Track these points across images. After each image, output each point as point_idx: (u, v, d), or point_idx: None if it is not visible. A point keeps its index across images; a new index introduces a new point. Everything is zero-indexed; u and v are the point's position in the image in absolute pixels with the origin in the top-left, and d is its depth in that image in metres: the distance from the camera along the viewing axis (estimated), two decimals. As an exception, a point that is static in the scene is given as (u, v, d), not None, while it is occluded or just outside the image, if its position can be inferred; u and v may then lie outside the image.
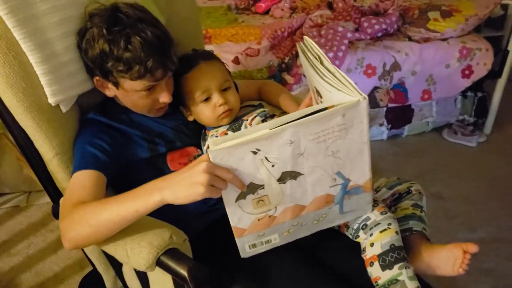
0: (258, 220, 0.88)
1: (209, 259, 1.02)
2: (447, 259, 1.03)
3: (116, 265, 1.20)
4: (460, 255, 1.02)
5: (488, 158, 2.52)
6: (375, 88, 2.45)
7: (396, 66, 2.42)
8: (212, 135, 1.15)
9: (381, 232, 0.99)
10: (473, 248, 1.02)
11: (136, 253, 0.92)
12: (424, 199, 1.20)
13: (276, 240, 0.94)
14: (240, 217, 0.86)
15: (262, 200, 0.85)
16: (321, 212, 0.94)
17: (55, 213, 1.15)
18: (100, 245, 0.98)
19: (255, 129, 0.78)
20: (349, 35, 2.44)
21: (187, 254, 0.97)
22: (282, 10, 2.88)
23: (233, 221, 0.87)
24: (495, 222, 2.05)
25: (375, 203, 1.02)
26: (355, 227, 1.02)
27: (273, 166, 0.81)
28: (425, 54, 2.42)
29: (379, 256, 0.97)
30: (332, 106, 0.79)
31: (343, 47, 2.35)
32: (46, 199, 2.23)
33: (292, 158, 0.82)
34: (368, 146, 0.87)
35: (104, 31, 0.98)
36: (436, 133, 2.73)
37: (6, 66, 0.97)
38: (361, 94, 0.79)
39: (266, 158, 0.80)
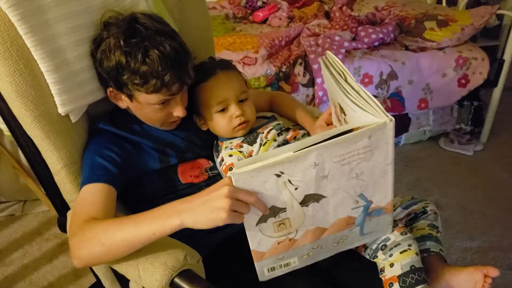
0: (278, 243, 0.86)
1: (222, 278, 1.00)
2: (467, 282, 1.02)
3: (122, 281, 1.16)
4: (480, 279, 1.01)
5: (485, 167, 2.53)
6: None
7: (393, 75, 2.43)
8: (226, 147, 1.13)
9: (401, 253, 0.98)
10: (493, 272, 1.00)
11: (149, 274, 0.88)
12: (439, 219, 1.20)
13: (296, 263, 0.92)
14: (260, 240, 0.84)
15: (284, 223, 0.83)
16: (341, 234, 0.92)
17: (61, 226, 1.13)
18: (111, 264, 0.94)
19: (278, 151, 0.76)
20: (346, 44, 2.44)
21: (201, 275, 0.94)
22: (280, 19, 2.89)
23: (253, 245, 0.84)
24: (493, 230, 2.06)
25: (394, 224, 1.01)
26: (373, 248, 1.01)
27: (296, 189, 0.79)
28: (422, 63, 2.44)
29: (399, 277, 0.96)
30: (358, 128, 0.77)
31: (340, 56, 2.36)
32: (42, 208, 2.22)
33: (316, 181, 0.80)
34: (392, 168, 0.85)
35: (122, 42, 0.96)
36: (433, 141, 2.73)
37: (16, 74, 0.95)
38: (387, 116, 0.76)
39: (289, 180, 0.78)
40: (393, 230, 1.00)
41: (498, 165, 2.54)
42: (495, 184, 2.38)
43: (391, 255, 0.98)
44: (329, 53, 0.97)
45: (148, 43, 0.96)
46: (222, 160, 1.10)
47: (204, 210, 0.78)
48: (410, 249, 0.98)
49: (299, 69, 2.35)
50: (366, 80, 2.42)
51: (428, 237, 1.12)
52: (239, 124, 1.11)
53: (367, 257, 1.04)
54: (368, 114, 0.78)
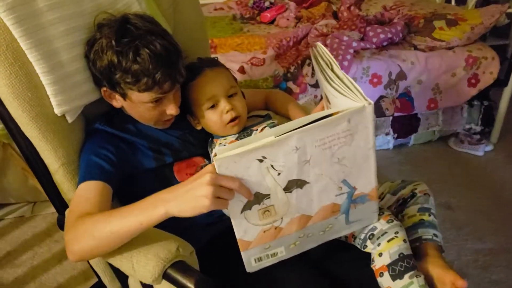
0: (264, 232, 0.87)
1: (215, 271, 1.01)
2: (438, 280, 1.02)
3: (122, 278, 1.18)
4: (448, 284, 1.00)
5: (495, 167, 2.50)
6: (381, 97, 2.44)
7: (401, 75, 2.41)
8: (220, 143, 1.14)
9: (388, 241, 0.98)
10: (462, 284, 0.99)
11: (142, 266, 0.90)
12: (431, 199, 1.18)
13: (282, 253, 0.93)
14: (246, 229, 0.85)
15: (268, 211, 0.84)
16: (327, 222, 0.93)
17: (61, 224, 1.14)
18: (105, 257, 0.96)
19: (260, 136, 0.77)
20: (354, 44, 2.43)
21: (194, 267, 0.95)
22: (288, 19, 2.88)
23: (239, 233, 0.85)
24: (504, 232, 2.03)
25: (380, 212, 1.01)
26: (362, 237, 1.02)
27: (279, 174, 0.81)
28: (431, 63, 2.41)
29: (388, 266, 0.96)
30: (338, 112, 0.79)
31: (348, 56, 2.35)
32: (51, 209, 2.23)
33: (298, 166, 0.81)
34: (373, 152, 0.87)
35: (113, 42, 0.98)
36: (443, 142, 2.71)
37: (12, 77, 0.97)
38: (366, 100, 0.79)
39: (272, 166, 0.79)
40: (379, 219, 1.00)
41: (509, 165, 2.51)
42: (505, 184, 2.35)
43: (379, 244, 0.99)
44: (319, 44, 0.98)
45: (139, 42, 0.97)
46: (215, 155, 1.11)
47: (187, 198, 0.79)
48: (397, 236, 0.98)
49: (307, 70, 2.34)
50: (375, 80, 2.40)
51: (420, 224, 1.11)
52: (231, 120, 1.12)
53: (358, 247, 1.04)
54: (347, 99, 0.80)
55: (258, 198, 0.82)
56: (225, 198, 0.79)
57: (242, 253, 0.88)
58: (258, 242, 0.88)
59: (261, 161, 0.78)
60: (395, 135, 2.60)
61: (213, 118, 1.13)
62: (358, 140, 0.83)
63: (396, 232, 0.99)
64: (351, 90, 0.82)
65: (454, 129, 2.69)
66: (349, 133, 0.81)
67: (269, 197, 0.83)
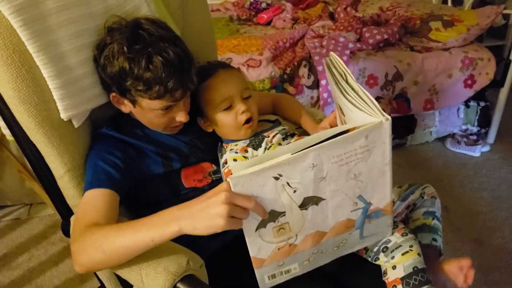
0: (278, 249, 0.85)
1: (224, 282, 1.00)
2: (447, 278, 1.04)
3: (126, 285, 1.15)
4: (457, 272, 1.03)
5: (492, 168, 2.51)
6: (377, 98, 2.44)
7: (398, 76, 2.41)
8: (231, 150, 1.12)
9: (403, 254, 0.97)
10: (466, 262, 1.03)
11: (152, 279, 0.88)
12: (437, 202, 1.18)
13: (296, 269, 0.91)
14: (260, 247, 0.83)
15: (283, 228, 0.82)
16: (341, 238, 0.91)
17: (65, 230, 1.12)
18: (113, 269, 0.94)
19: (276, 153, 0.76)
20: (350, 45, 2.43)
21: (203, 280, 0.94)
22: (284, 21, 2.88)
23: (253, 251, 0.83)
24: (501, 233, 2.04)
25: (394, 225, 1.00)
26: (375, 250, 1.01)
27: (294, 191, 0.79)
28: (427, 64, 2.42)
29: (402, 279, 0.96)
30: (355, 128, 0.77)
31: (344, 58, 2.35)
32: (48, 211, 2.23)
33: (314, 183, 0.79)
34: (390, 168, 0.85)
35: (125, 48, 0.95)
36: (439, 143, 2.72)
37: (18, 80, 0.95)
38: (383, 115, 0.77)
39: (288, 183, 0.77)
40: (393, 232, 0.99)
41: (506, 165, 2.52)
42: (502, 185, 2.36)
43: (393, 257, 0.98)
44: (332, 54, 0.96)
45: (152, 49, 0.95)
46: (226, 162, 1.10)
47: (202, 217, 0.77)
48: (411, 250, 0.98)
49: (303, 71, 2.34)
50: (371, 81, 2.41)
51: (421, 228, 1.12)
52: (246, 122, 1.11)
53: (369, 259, 1.03)
54: (364, 113, 0.79)
55: (273, 215, 0.80)
56: (240, 217, 0.77)
57: (256, 270, 0.86)
58: (272, 259, 0.86)
59: (277, 178, 0.76)
60: (392, 136, 2.58)
61: (227, 120, 1.11)
62: (375, 155, 0.81)
63: (411, 246, 0.98)
64: (367, 103, 0.80)
65: (450, 130, 2.70)
66: (366, 148, 0.80)
67: (284, 215, 0.81)
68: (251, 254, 0.84)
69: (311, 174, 0.78)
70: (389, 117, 0.77)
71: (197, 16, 1.36)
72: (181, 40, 1.03)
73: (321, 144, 0.75)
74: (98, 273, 1.19)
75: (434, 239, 1.10)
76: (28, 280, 1.89)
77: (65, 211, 1.13)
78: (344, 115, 0.91)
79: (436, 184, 2.31)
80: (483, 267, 1.86)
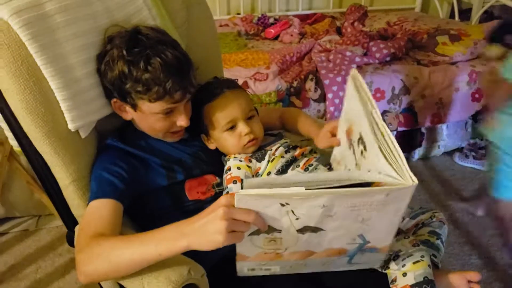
0: (265, 253, 0.86)
1: None
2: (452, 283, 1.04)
3: None
4: (464, 285, 1.03)
5: (500, 182, 2.48)
6: (384, 112, 2.44)
7: (405, 90, 2.41)
8: (235, 157, 1.13)
9: (414, 263, 0.98)
10: (475, 276, 1.02)
11: None
12: (445, 228, 1.19)
13: (277, 270, 0.92)
14: (248, 248, 0.84)
15: (274, 241, 0.83)
16: (330, 259, 0.91)
17: (70, 241, 1.13)
18: (116, 278, 0.95)
19: (289, 179, 0.75)
20: (357, 59, 2.45)
21: None
22: (291, 35, 2.90)
23: (240, 249, 0.84)
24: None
25: (406, 236, 1.03)
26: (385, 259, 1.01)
27: (297, 219, 0.78)
28: (434, 78, 2.42)
29: (412, 286, 0.96)
30: (379, 183, 0.75)
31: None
32: (56, 222, 2.24)
33: (319, 218, 0.79)
34: (399, 221, 0.83)
35: (124, 52, 0.98)
36: (447, 156, 2.70)
37: (26, 92, 0.97)
38: (412, 179, 0.72)
39: (292, 211, 0.77)
40: (405, 237, 1.02)
41: (514, 180, 2.50)
42: (511, 200, 2.33)
43: (404, 265, 0.99)
44: (355, 70, 0.96)
45: (150, 51, 0.97)
46: (229, 169, 1.11)
47: (203, 233, 0.78)
48: (423, 260, 0.99)
49: (310, 85, 2.36)
50: (378, 95, 2.41)
51: (424, 243, 1.11)
52: (249, 141, 1.12)
53: (378, 268, 1.03)
54: (390, 168, 0.75)
55: (269, 229, 0.80)
56: (240, 230, 0.77)
57: (237, 262, 0.88)
58: (256, 259, 0.87)
59: (283, 205, 0.75)
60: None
61: (230, 141, 1.13)
62: (390, 209, 0.79)
63: (422, 256, 0.99)
64: (396, 159, 0.76)
65: (458, 144, 2.69)
66: (383, 203, 0.77)
67: (279, 232, 0.81)
68: (237, 249, 0.84)
69: (319, 211, 0.77)
70: (416, 181, 0.72)
71: (202, 31, 1.38)
72: (179, 45, 1.05)
73: (340, 190, 0.73)
74: (101, 283, 1.19)
75: (434, 255, 1.10)
76: (35, 291, 1.89)
77: (70, 221, 1.14)
78: (365, 150, 0.87)
79: (443, 198, 2.32)
80: (490, 281, 1.84)
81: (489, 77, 1.85)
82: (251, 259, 0.87)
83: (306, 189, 0.72)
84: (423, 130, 2.59)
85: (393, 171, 0.75)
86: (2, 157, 2.00)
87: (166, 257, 0.85)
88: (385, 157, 0.78)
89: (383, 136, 0.81)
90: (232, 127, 1.12)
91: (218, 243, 0.76)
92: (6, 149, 1.99)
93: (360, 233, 0.84)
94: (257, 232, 0.80)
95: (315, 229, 0.81)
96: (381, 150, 0.79)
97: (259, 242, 0.83)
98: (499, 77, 1.52)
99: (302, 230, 0.81)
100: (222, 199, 0.77)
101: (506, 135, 1.60)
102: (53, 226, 2.24)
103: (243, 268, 0.90)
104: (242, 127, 1.11)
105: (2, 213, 2.24)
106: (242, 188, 0.72)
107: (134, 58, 0.97)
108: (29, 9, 0.95)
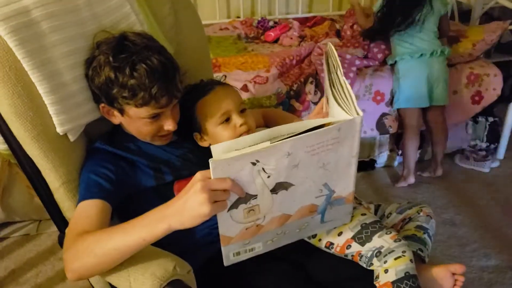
0: (246, 229, 0.89)
1: None
2: (433, 281, 1.05)
3: None
4: (448, 277, 1.04)
5: (501, 184, 2.48)
6: (384, 114, 2.44)
7: (405, 92, 2.40)
8: None
9: (395, 259, 0.99)
10: (460, 269, 1.05)
11: (139, 284, 0.91)
12: (432, 222, 1.20)
13: (260, 248, 0.97)
14: (230, 226, 0.87)
15: (253, 210, 0.87)
16: (304, 221, 0.97)
17: (61, 243, 1.12)
18: (103, 275, 0.97)
19: (254, 138, 0.80)
20: (357, 62, 2.44)
21: (191, 286, 0.96)
22: (291, 38, 2.91)
23: (222, 230, 0.87)
24: (509, 249, 2.01)
25: (388, 231, 1.03)
26: (368, 255, 1.03)
27: (268, 177, 0.83)
28: (434, 80, 2.41)
29: (393, 283, 0.97)
30: (330, 123, 0.82)
31: (351, 74, 2.36)
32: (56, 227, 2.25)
33: (287, 170, 0.84)
34: (356, 161, 0.91)
35: (111, 58, 0.99)
36: (448, 158, 2.68)
37: (14, 97, 0.99)
38: (357, 112, 0.83)
39: (263, 169, 0.81)
40: (385, 234, 1.02)
41: (515, 182, 2.49)
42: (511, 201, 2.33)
43: (385, 262, 0.99)
44: (330, 44, 1.01)
45: (136, 57, 0.99)
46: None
47: (186, 210, 0.81)
48: (404, 255, 0.99)
49: (310, 88, 2.36)
50: (378, 97, 2.41)
51: (410, 237, 1.13)
52: (244, 133, 1.13)
53: (364, 265, 1.05)
54: (341, 110, 0.85)
55: (246, 198, 0.84)
56: (222, 199, 0.80)
57: (222, 248, 0.91)
58: (239, 238, 0.90)
59: (254, 164, 0.80)
60: (399, 152, 2.58)
61: (225, 133, 1.14)
62: (344, 148, 0.87)
63: (404, 251, 1.00)
64: (347, 99, 0.86)
65: (459, 146, 2.68)
66: (337, 140, 0.85)
67: (255, 197, 0.85)
68: (220, 232, 0.88)
69: (285, 161, 0.82)
70: (361, 114, 0.83)
71: (191, 34, 1.40)
72: (166, 50, 1.07)
73: (299, 136, 0.80)
74: (93, 283, 1.21)
75: (421, 249, 1.10)
76: (35, 295, 1.90)
77: (62, 224, 1.15)
78: (328, 105, 0.97)
79: (444, 200, 2.31)
80: (491, 284, 1.83)
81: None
82: (235, 240, 0.90)
83: (271, 143, 0.78)
84: (423, 132, 2.57)
85: (343, 112, 0.85)
86: (2, 162, 2.02)
87: (150, 242, 0.87)
88: (337, 101, 0.88)
89: (342, 86, 0.89)
90: (227, 120, 1.14)
91: (204, 215, 0.79)
92: (6, 154, 2.00)
93: (325, 182, 0.91)
94: (235, 205, 0.84)
95: (286, 186, 0.86)
96: (333, 95, 0.90)
97: (239, 217, 0.86)
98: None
99: (275, 189, 0.86)
100: (197, 175, 0.81)
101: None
102: (54, 230, 2.25)
103: (229, 254, 0.93)
104: (236, 119, 1.13)
105: (2, 218, 2.25)
106: (212, 157, 0.77)
107: (120, 64, 0.99)
108: (16, 16, 0.97)
